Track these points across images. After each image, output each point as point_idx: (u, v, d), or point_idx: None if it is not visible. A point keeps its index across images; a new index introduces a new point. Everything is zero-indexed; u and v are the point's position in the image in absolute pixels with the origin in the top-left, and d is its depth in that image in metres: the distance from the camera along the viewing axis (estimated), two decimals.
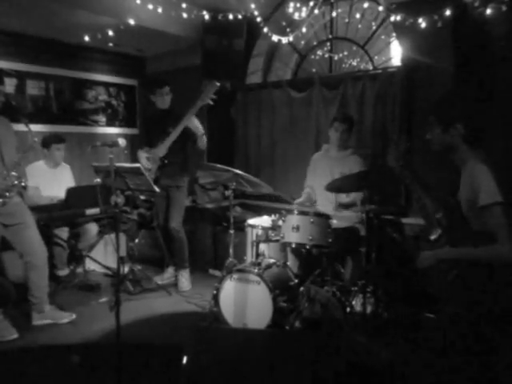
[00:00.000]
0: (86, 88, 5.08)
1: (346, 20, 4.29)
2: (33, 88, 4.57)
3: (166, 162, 3.66)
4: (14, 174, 2.76)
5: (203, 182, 4.44)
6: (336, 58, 4.47)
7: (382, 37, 4.09)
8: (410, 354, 2.45)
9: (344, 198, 3.24)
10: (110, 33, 3.96)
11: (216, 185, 4.45)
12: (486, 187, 1.78)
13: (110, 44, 4.58)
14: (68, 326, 3.08)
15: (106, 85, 5.29)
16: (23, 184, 2.80)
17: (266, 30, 4.02)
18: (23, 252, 2.96)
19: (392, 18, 3.21)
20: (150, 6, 3.65)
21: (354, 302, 2.87)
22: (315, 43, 4.62)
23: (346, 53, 4.43)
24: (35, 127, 3.09)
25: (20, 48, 4.45)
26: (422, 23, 3.02)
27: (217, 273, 4.10)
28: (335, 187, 2.91)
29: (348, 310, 2.81)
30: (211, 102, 3.51)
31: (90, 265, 4.01)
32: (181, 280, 3.85)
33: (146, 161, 3.70)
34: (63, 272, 3.85)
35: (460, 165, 1.97)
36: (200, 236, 4.44)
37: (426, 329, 2.74)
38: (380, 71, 3.80)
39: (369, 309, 2.76)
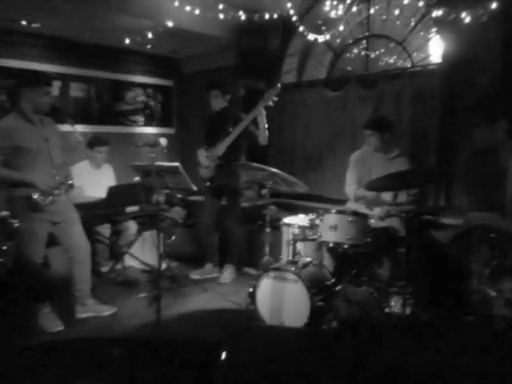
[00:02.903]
0: (125, 89, 5.24)
1: (384, 17, 4.22)
2: (75, 90, 4.76)
3: (223, 161, 3.75)
4: (61, 173, 2.88)
5: (241, 180, 4.48)
6: (372, 55, 4.40)
7: (421, 33, 4.00)
8: (451, 358, 2.39)
9: (387, 197, 3.19)
10: (149, 35, 4.06)
11: (251, 184, 4.48)
12: None
13: (148, 46, 4.69)
14: (109, 319, 3.18)
15: (144, 86, 5.43)
16: (70, 183, 2.91)
17: (301, 28, 4.01)
18: (68, 248, 3.08)
19: (433, 13, 3.13)
20: (188, 8, 3.72)
21: (392, 303, 2.82)
22: (351, 41, 4.57)
23: (382, 50, 4.36)
24: (77, 128, 3.23)
25: (63, 52, 4.64)
26: (466, 18, 2.93)
27: (252, 271, 4.13)
28: (375, 186, 2.86)
29: (387, 310, 2.77)
30: (272, 104, 3.55)
31: (128, 261, 4.13)
32: (224, 272, 3.98)
33: (205, 159, 3.81)
34: (105, 268, 3.97)
35: (504, 162, 1.91)
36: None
37: (467, 332, 2.67)
38: (419, 69, 3.72)
39: (408, 310, 2.71)
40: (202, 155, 3.88)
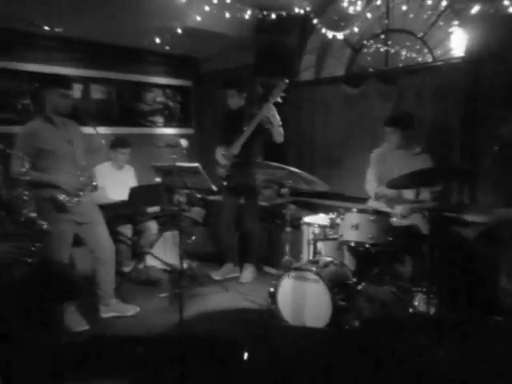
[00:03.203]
0: (145, 90, 5.29)
1: (403, 11, 4.14)
2: (96, 92, 4.84)
3: (239, 159, 3.76)
4: (85, 174, 2.93)
5: (258, 179, 4.48)
6: (392, 51, 4.34)
7: (443, 27, 3.92)
8: (478, 359, 2.34)
9: (409, 195, 3.14)
10: (168, 36, 4.09)
11: (270, 183, 4.47)
12: None
13: (167, 47, 4.72)
14: (132, 319, 3.21)
15: (163, 87, 5.47)
16: (94, 184, 2.95)
17: (319, 25, 3.98)
18: (93, 248, 3.13)
19: (455, 6, 3.06)
20: (206, 8, 3.72)
21: (416, 303, 2.78)
22: (369, 37, 4.51)
23: (402, 45, 4.29)
24: (99, 130, 3.29)
25: (84, 54, 4.71)
26: (490, 9, 2.84)
27: (272, 270, 4.12)
28: (397, 184, 2.82)
29: (410, 310, 2.72)
30: (281, 100, 3.54)
31: (149, 261, 4.17)
32: (244, 272, 4.00)
33: (222, 158, 3.84)
34: (127, 268, 4.03)
35: None
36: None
37: (494, 332, 2.61)
38: (441, 63, 3.65)
39: (433, 310, 2.66)
40: (220, 153, 3.89)
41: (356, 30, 4.16)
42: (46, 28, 4.10)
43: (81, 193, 2.88)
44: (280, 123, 3.67)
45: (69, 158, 2.91)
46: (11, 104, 4.23)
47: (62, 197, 2.78)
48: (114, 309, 3.22)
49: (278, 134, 3.69)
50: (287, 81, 3.53)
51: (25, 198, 2.27)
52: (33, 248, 2.15)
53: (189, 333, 2.86)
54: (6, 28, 4.00)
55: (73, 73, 4.61)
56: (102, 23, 4.13)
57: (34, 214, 2.66)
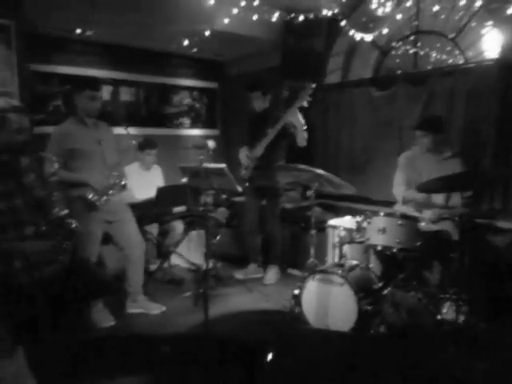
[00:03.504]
0: (172, 93, 5.37)
1: (434, 12, 4.07)
2: (125, 94, 4.94)
3: (261, 162, 3.77)
4: (115, 173, 2.99)
5: (282, 181, 4.47)
6: (422, 52, 4.26)
7: (475, 28, 3.82)
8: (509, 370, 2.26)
9: (439, 199, 3.08)
10: (195, 39, 4.14)
11: (295, 185, 4.46)
12: None
13: (194, 50, 4.78)
14: (157, 317, 3.26)
15: (190, 89, 5.55)
16: (123, 183, 3.01)
17: (347, 28, 3.96)
18: (123, 246, 3.18)
19: (489, 6, 2.98)
20: (234, 11, 3.75)
21: (444, 310, 2.71)
22: (398, 38, 4.44)
23: (432, 47, 4.22)
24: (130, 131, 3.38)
25: (114, 58, 4.82)
26: None
27: (296, 272, 4.11)
28: (426, 188, 2.77)
29: (438, 317, 2.66)
30: (306, 104, 3.54)
31: (174, 260, 4.23)
32: (268, 273, 4.00)
33: (245, 159, 3.86)
34: (153, 266, 4.09)
35: None
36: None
37: None
38: (473, 65, 3.56)
39: (462, 318, 2.59)
40: (243, 154, 3.90)
41: (385, 31, 4.11)
42: (78, 31, 4.22)
43: (109, 192, 2.93)
44: (304, 127, 3.66)
45: (98, 158, 2.98)
46: (44, 105, 4.37)
47: (90, 195, 2.85)
48: (141, 305, 3.28)
49: (302, 138, 3.68)
50: (313, 85, 3.53)
51: (54, 197, 2.34)
52: (64, 246, 2.20)
53: (212, 332, 2.88)
54: (40, 33, 4.12)
55: (103, 75, 4.72)
56: (131, 27, 4.22)
57: (64, 213, 2.73)
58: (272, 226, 3.99)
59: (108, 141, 3.07)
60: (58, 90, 4.47)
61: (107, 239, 3.21)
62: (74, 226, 2.28)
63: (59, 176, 2.52)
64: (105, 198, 2.90)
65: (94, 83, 3.09)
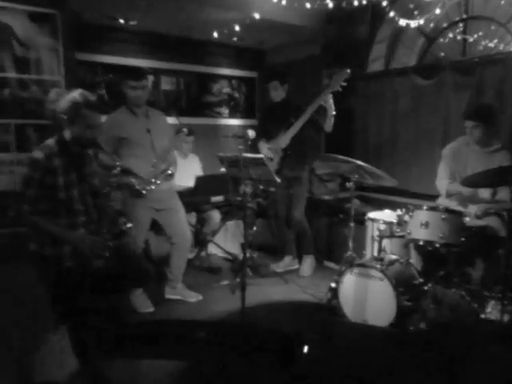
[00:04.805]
0: (211, 82, 5.40)
1: None
2: (166, 83, 5.01)
3: (288, 152, 3.71)
4: (162, 162, 2.99)
5: (321, 172, 4.41)
6: (471, 39, 4.06)
7: None
8: None
9: (485, 194, 2.95)
10: (236, 28, 4.13)
11: (334, 176, 4.39)
12: None
13: (234, 38, 4.76)
14: (194, 304, 3.32)
15: (229, 78, 5.55)
16: (170, 172, 3.00)
17: (391, 14, 3.82)
18: (171, 234, 3.23)
19: None
20: None
21: (489, 309, 2.61)
22: (445, 25, 4.25)
23: (481, 33, 4.00)
24: (177, 120, 3.44)
25: (156, 47, 4.88)
26: None
27: (332, 265, 4.08)
28: (472, 182, 2.65)
29: (482, 316, 2.57)
30: (340, 90, 3.46)
31: (211, 249, 4.28)
32: (303, 265, 3.98)
33: (268, 151, 3.80)
34: (191, 255, 4.17)
35: None
36: (315, 227, 4.43)
37: None
38: None
39: (507, 317, 2.49)
40: (264, 147, 3.82)
41: (431, 17, 3.94)
42: (122, 21, 4.30)
43: (157, 181, 2.91)
44: (334, 113, 3.58)
45: (146, 147, 2.99)
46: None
47: (137, 183, 2.86)
48: (179, 292, 3.35)
49: (329, 125, 3.60)
50: (348, 70, 3.44)
51: (106, 190, 2.39)
52: (110, 245, 2.24)
53: (248, 322, 2.90)
54: (85, 22, 4.23)
55: (146, 64, 4.78)
56: (172, 16, 4.25)
57: (118, 208, 2.80)
58: (297, 216, 3.91)
59: (158, 129, 3.06)
60: (101, 79, 4.59)
61: (153, 226, 3.26)
62: (126, 227, 2.32)
63: (107, 164, 2.59)
64: (151, 186, 2.89)
65: (135, 73, 3.09)
